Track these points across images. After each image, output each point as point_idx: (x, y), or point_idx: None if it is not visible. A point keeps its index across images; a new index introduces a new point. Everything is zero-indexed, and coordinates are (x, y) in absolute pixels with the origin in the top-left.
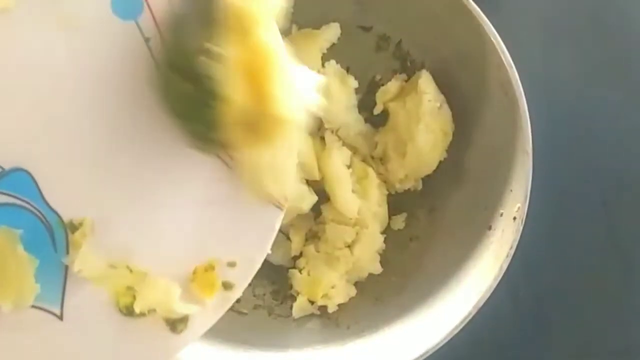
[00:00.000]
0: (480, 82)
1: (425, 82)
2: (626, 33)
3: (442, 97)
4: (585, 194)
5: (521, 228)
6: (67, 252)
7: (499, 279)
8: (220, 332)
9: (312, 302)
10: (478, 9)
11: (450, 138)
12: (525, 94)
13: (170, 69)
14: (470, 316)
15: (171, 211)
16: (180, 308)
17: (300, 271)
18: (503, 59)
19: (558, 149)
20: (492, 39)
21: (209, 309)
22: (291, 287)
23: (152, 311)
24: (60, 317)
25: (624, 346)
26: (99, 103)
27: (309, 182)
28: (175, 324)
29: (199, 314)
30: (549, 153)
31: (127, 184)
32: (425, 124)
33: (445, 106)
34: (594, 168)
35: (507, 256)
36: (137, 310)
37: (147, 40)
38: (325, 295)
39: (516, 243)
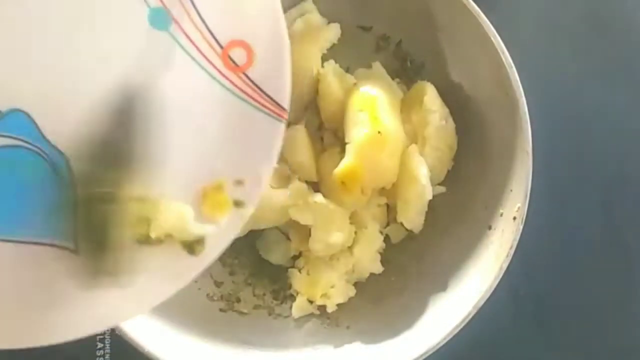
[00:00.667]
0: (480, 82)
1: (431, 98)
2: (626, 33)
3: (447, 111)
4: (585, 194)
5: (521, 228)
6: (75, 188)
7: (499, 279)
8: (220, 332)
9: (311, 302)
10: (478, 9)
11: (455, 149)
12: (525, 94)
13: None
14: (470, 316)
15: (174, 136)
16: (196, 229)
17: (299, 271)
18: (503, 59)
19: (558, 149)
20: (492, 39)
21: (225, 228)
22: (291, 286)
23: (168, 236)
24: (77, 252)
25: (624, 346)
26: (94, 35)
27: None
28: (193, 246)
29: (214, 234)
30: (549, 153)
31: (129, 117)
32: (430, 145)
33: (450, 120)
34: (593, 168)
35: (507, 256)
36: (153, 237)
37: None
38: (324, 295)
39: (516, 243)
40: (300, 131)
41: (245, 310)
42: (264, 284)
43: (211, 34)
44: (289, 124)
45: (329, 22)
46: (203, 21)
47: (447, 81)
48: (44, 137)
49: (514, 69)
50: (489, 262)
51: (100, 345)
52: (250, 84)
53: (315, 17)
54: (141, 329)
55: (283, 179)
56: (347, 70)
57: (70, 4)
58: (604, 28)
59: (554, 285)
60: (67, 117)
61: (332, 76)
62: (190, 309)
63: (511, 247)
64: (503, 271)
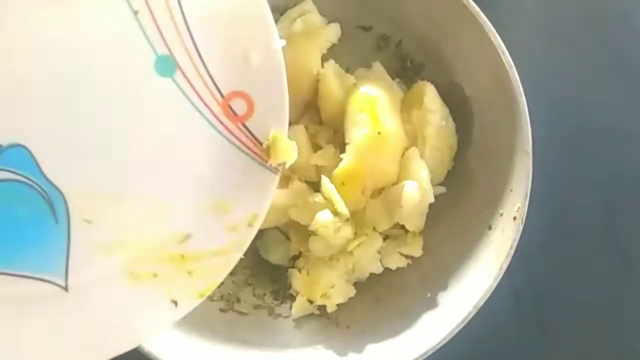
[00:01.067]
0: (480, 82)
1: (431, 99)
2: (626, 33)
3: (447, 111)
4: (585, 194)
5: (521, 228)
6: (69, 223)
7: (499, 279)
8: (220, 332)
9: (311, 302)
10: (478, 9)
11: (455, 149)
12: (525, 94)
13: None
14: (470, 316)
15: (168, 178)
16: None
17: (299, 271)
18: (503, 59)
19: (558, 149)
20: (492, 39)
21: (211, 273)
22: (291, 286)
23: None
24: (66, 289)
25: (624, 346)
26: (97, 79)
27: (307, 183)
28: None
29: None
30: (549, 153)
31: (129, 158)
32: (431, 146)
33: (450, 120)
34: (594, 168)
35: (507, 256)
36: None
37: (135, 13)
38: (324, 295)
39: (516, 243)
40: (300, 131)
41: (245, 310)
42: (264, 284)
43: (214, 83)
44: (290, 124)
45: (329, 22)
46: (207, 70)
47: (447, 81)
48: (42, 173)
49: (514, 69)
50: (489, 262)
51: None
52: (248, 134)
53: (315, 17)
54: None
55: (283, 179)
56: (347, 70)
57: (77, 44)
58: (604, 28)
59: (554, 285)
60: (66, 155)
61: (332, 76)
62: None
63: (511, 247)
64: (503, 271)
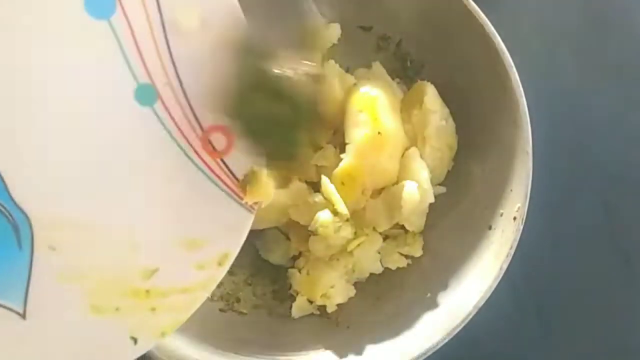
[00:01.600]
0: (480, 82)
1: (432, 99)
2: (627, 33)
3: (447, 111)
4: (586, 194)
5: (521, 228)
6: (32, 249)
7: (499, 279)
8: (220, 332)
9: (311, 302)
10: (478, 9)
11: (455, 149)
12: (525, 94)
13: (253, 89)
14: (471, 316)
15: (143, 210)
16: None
17: (299, 271)
18: (503, 59)
19: (558, 149)
20: (492, 39)
21: (178, 311)
22: (291, 286)
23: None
24: (23, 316)
25: (624, 346)
26: (75, 106)
27: (307, 183)
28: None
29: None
30: (549, 153)
31: (100, 186)
32: (431, 146)
33: (450, 120)
34: (594, 168)
35: (507, 256)
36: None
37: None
38: (324, 295)
39: (516, 243)
40: None
41: (245, 310)
42: (264, 284)
43: (194, 115)
44: None
45: (329, 22)
46: (188, 102)
47: (447, 81)
48: (10, 196)
49: (514, 69)
50: (489, 262)
51: None
52: (226, 170)
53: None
54: None
55: (283, 179)
56: (347, 70)
57: (54, 65)
58: (604, 28)
59: (554, 285)
60: (37, 180)
61: (332, 76)
62: None
63: (511, 247)
64: (503, 271)
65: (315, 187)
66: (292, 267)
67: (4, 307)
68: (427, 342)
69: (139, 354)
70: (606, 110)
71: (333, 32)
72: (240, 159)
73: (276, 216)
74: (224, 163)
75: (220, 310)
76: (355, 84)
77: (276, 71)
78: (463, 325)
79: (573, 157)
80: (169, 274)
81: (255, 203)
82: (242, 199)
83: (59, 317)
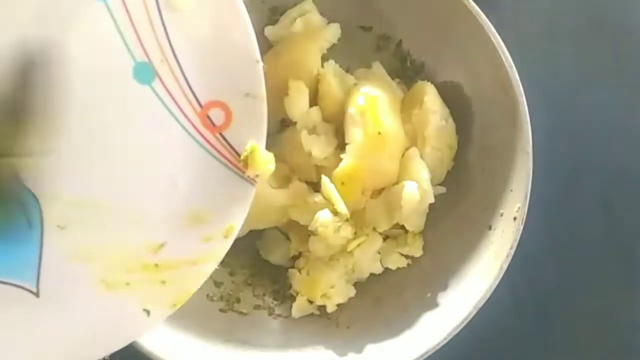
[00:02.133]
0: (480, 82)
1: (432, 98)
2: (626, 33)
3: (447, 111)
4: (586, 194)
5: (521, 228)
6: (42, 229)
7: (499, 279)
8: (220, 332)
9: (311, 302)
10: (478, 9)
11: (455, 149)
12: (525, 94)
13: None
14: (471, 316)
15: (146, 183)
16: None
17: (299, 271)
18: (503, 59)
19: (558, 149)
20: (492, 39)
21: (183, 283)
22: (291, 287)
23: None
24: (37, 294)
25: (624, 346)
26: (77, 83)
27: (307, 183)
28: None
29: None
30: (549, 153)
31: (104, 165)
32: (431, 146)
33: (450, 120)
34: (594, 168)
35: (507, 256)
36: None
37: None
38: (324, 295)
39: (516, 243)
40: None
41: (245, 311)
42: (264, 284)
43: (192, 92)
44: (289, 124)
45: (329, 22)
46: (185, 79)
47: (447, 81)
48: (18, 177)
49: (514, 69)
50: (489, 262)
51: None
52: (226, 144)
53: (315, 17)
54: None
55: (283, 179)
56: (347, 70)
57: (58, 48)
58: (604, 28)
59: (554, 285)
60: (42, 161)
61: (332, 76)
62: (190, 309)
63: (511, 247)
64: (503, 271)
65: (315, 187)
66: (292, 267)
67: (18, 286)
68: (427, 342)
69: (153, 326)
70: (606, 110)
71: (333, 32)
72: (240, 133)
73: (276, 216)
74: (224, 138)
75: (221, 310)
76: (355, 84)
77: None
78: (463, 325)
79: (573, 157)
80: (176, 248)
81: (257, 176)
82: (243, 172)
83: (72, 295)
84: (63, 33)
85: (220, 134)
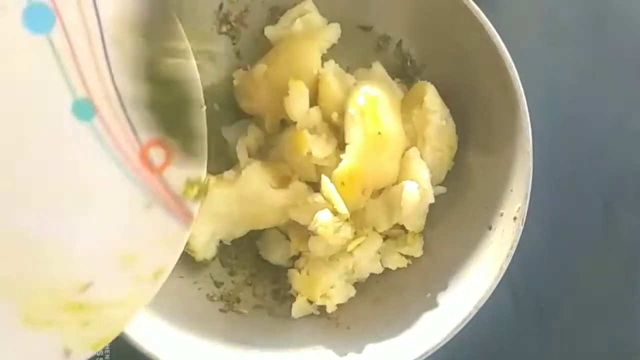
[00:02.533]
0: (480, 82)
1: (432, 99)
2: (627, 33)
3: (447, 111)
4: (586, 194)
5: (521, 228)
6: None
7: (499, 279)
8: (220, 332)
9: (311, 302)
10: (478, 9)
11: (455, 149)
12: (525, 94)
13: (145, 80)
14: (471, 316)
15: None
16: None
17: (299, 271)
18: (503, 59)
19: (558, 149)
20: (492, 39)
21: (108, 324)
22: (291, 287)
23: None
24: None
25: (624, 346)
26: (8, 117)
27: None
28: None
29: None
30: (549, 153)
31: (35, 200)
32: (431, 146)
33: (450, 120)
34: (594, 168)
35: (507, 256)
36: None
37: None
38: (324, 295)
39: (516, 243)
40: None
41: (245, 311)
42: (264, 284)
43: (133, 130)
44: (289, 124)
45: (329, 22)
46: (127, 117)
47: (447, 81)
48: None
49: (514, 69)
50: (489, 262)
51: None
52: (164, 184)
53: (315, 17)
54: (141, 329)
55: (283, 179)
56: (347, 70)
57: None
58: (604, 28)
59: (554, 286)
60: None
61: (332, 76)
62: (190, 309)
63: (511, 248)
64: (503, 271)
65: (315, 187)
66: (292, 267)
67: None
68: (427, 342)
69: None
70: (606, 110)
71: (333, 32)
72: (179, 174)
73: (276, 216)
74: (162, 177)
75: (221, 310)
76: (355, 84)
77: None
78: (463, 325)
79: (573, 157)
80: (103, 288)
81: (191, 218)
82: (179, 214)
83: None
84: (1, 65)
85: (159, 174)
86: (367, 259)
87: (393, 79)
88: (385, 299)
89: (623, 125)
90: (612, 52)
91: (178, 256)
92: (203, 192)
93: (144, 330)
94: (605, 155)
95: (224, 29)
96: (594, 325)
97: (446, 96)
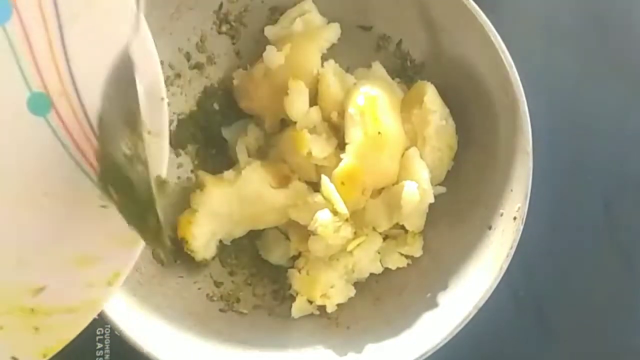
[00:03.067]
0: (480, 82)
1: (432, 98)
2: (627, 33)
3: (447, 111)
4: (586, 194)
5: (521, 228)
6: None
7: (499, 279)
8: (220, 332)
9: (311, 302)
10: (478, 9)
11: (455, 149)
12: (525, 94)
13: (104, 182)
14: (471, 316)
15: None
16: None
17: (299, 271)
18: (503, 59)
19: (558, 149)
20: (492, 39)
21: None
22: (291, 287)
23: None
24: None
25: (624, 346)
26: None
27: (307, 183)
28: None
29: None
30: (549, 153)
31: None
32: (431, 146)
33: (450, 120)
34: (593, 168)
35: (507, 256)
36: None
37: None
38: (324, 295)
39: (516, 243)
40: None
41: (245, 311)
42: (264, 284)
43: (90, 126)
44: (289, 124)
45: (329, 22)
46: (85, 113)
47: (447, 81)
48: None
49: (514, 69)
50: (489, 262)
51: (99, 345)
52: None
53: (315, 16)
54: (141, 330)
55: (283, 178)
56: (347, 70)
57: None
58: (604, 28)
59: (554, 286)
60: None
61: (331, 76)
62: (190, 309)
63: (511, 247)
64: (503, 271)
65: (315, 187)
66: (292, 267)
67: None
68: (427, 342)
69: None
70: (606, 110)
71: (333, 32)
72: None
73: (276, 216)
74: None
75: (221, 310)
76: (355, 84)
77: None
78: (463, 325)
79: (573, 157)
80: (56, 292)
81: None
82: None
83: None
84: None
85: None
86: (367, 258)
87: (393, 78)
88: (385, 298)
89: (623, 125)
90: (612, 52)
91: (135, 259)
92: (162, 189)
93: (144, 331)
94: (605, 155)
95: (224, 28)
96: (594, 324)
97: (446, 96)
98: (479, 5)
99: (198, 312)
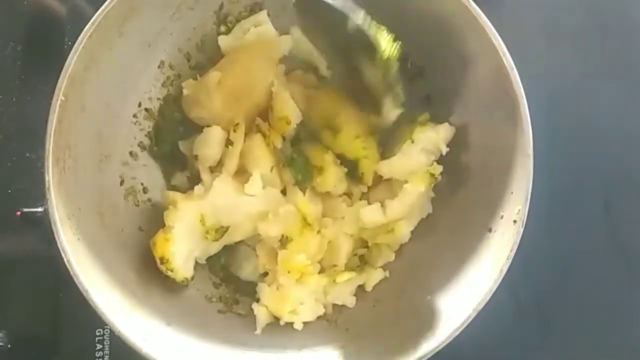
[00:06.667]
0: (480, 82)
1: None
2: (626, 33)
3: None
4: (586, 195)
5: (521, 230)
6: None
7: (499, 281)
8: (219, 333)
9: (277, 319)
10: (478, 10)
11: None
12: (525, 95)
13: None
14: (471, 319)
15: None
16: None
17: (269, 285)
18: (504, 60)
19: (559, 151)
20: (493, 39)
21: None
22: None
23: None
24: None
25: (624, 346)
26: None
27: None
28: None
29: None
30: (550, 154)
31: None
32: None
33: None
34: (594, 169)
35: (507, 259)
36: None
37: None
38: (292, 311)
39: (516, 246)
40: (258, 140)
41: (243, 312)
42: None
43: None
44: (245, 134)
45: (281, 34)
46: None
47: (448, 82)
48: None
49: (515, 70)
50: (489, 265)
51: (99, 346)
52: None
53: (268, 28)
54: (140, 330)
55: (239, 172)
56: None
57: None
58: (604, 28)
59: (554, 287)
60: None
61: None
62: (189, 310)
63: (511, 250)
64: (503, 274)
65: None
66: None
67: None
68: (427, 344)
69: None
70: (606, 110)
71: (285, 44)
72: None
73: (252, 225)
74: None
75: (219, 311)
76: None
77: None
78: (463, 328)
79: (573, 158)
80: None
81: None
82: None
83: None
84: None
85: None
86: (345, 294)
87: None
88: (384, 301)
89: (623, 126)
90: (612, 53)
91: None
92: None
93: (143, 331)
94: (605, 156)
95: (223, 29)
96: (594, 325)
97: (446, 96)
98: (480, 7)
99: (197, 314)
